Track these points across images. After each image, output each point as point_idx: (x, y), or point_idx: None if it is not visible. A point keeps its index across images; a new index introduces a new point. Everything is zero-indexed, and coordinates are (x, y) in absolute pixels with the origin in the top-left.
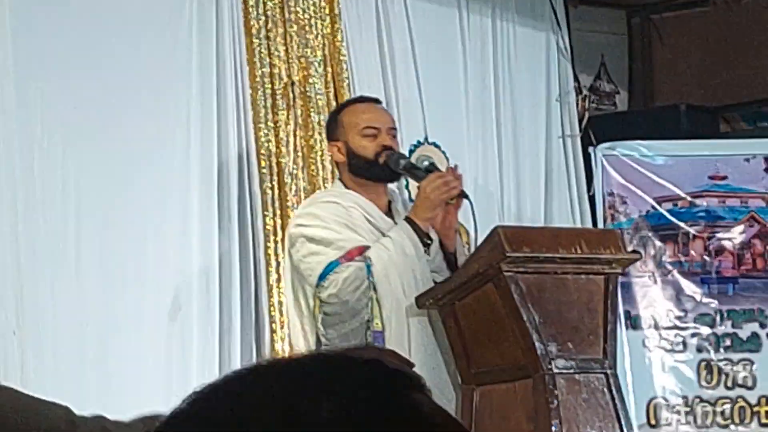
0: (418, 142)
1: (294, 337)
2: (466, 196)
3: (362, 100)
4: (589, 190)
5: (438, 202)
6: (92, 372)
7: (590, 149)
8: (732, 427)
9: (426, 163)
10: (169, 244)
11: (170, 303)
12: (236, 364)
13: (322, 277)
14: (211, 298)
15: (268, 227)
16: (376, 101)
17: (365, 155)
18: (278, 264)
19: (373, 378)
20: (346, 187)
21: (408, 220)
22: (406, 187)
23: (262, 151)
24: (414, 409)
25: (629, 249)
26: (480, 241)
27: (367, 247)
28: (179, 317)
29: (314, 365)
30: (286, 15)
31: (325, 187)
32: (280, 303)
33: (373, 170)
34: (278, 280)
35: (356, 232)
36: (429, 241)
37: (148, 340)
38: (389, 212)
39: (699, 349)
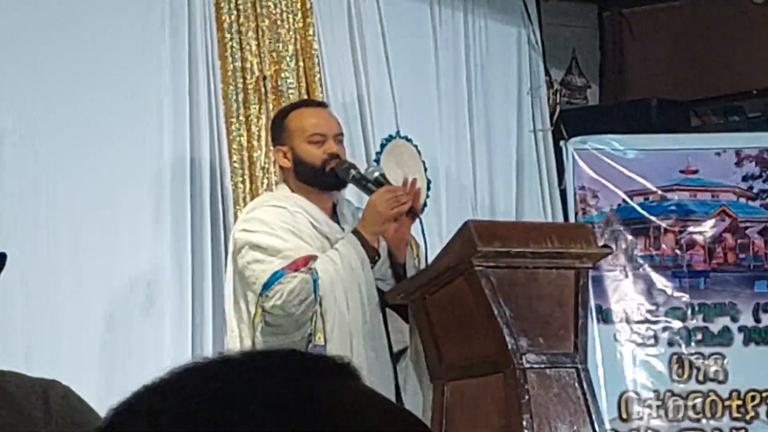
0: (390, 136)
1: (231, 341)
2: (417, 215)
3: (308, 104)
4: (560, 184)
5: (387, 216)
6: (65, 366)
7: (562, 143)
8: (704, 421)
9: (376, 174)
10: (141, 238)
11: (143, 297)
12: None
13: (267, 286)
14: (183, 292)
15: None
16: (323, 105)
17: (312, 162)
18: None
19: (284, 374)
20: (292, 191)
21: (356, 233)
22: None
23: (234, 146)
24: (328, 401)
25: (600, 243)
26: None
27: (312, 257)
28: (152, 312)
29: (227, 366)
30: (258, 9)
31: None
32: None
33: (319, 178)
34: None
35: (302, 238)
36: (377, 257)
37: (121, 334)
38: (334, 215)
39: (670, 343)
